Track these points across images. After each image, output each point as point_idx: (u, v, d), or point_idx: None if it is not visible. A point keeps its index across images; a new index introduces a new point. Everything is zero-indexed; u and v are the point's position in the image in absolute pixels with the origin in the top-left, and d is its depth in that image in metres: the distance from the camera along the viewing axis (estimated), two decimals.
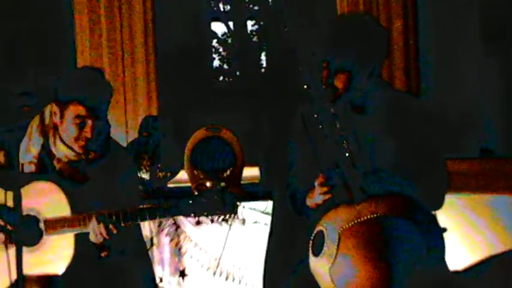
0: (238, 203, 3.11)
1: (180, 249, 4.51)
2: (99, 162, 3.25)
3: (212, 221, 3.13)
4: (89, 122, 3.14)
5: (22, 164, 3.25)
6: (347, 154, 2.93)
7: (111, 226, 3.12)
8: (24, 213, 3.14)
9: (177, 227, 4.44)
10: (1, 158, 3.25)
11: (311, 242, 2.93)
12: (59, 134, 3.19)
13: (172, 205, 3.20)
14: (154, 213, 3.20)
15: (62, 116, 3.17)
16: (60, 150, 3.20)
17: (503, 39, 4.40)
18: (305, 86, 2.93)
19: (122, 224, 3.15)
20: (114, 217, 3.15)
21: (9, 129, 3.24)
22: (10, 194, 3.03)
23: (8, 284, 3.11)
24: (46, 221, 3.17)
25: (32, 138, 3.26)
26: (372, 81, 3.06)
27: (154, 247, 4.45)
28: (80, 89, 3.15)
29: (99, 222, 3.12)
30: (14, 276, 2.93)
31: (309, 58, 2.95)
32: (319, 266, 2.88)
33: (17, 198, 2.96)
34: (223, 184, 3.13)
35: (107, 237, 3.13)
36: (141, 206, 3.16)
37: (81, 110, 3.13)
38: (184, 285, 4.52)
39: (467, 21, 4.53)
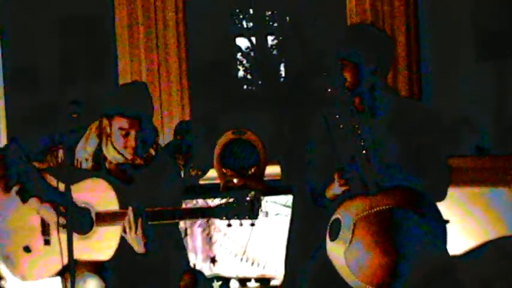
0: (262, 209, 3.17)
1: (210, 239, 4.64)
2: (144, 168, 3.37)
3: (241, 224, 3.22)
4: (132, 132, 3.27)
5: (79, 161, 3.38)
6: (363, 151, 3.09)
7: (139, 224, 3.19)
8: (79, 205, 3.29)
9: (208, 219, 4.41)
10: (61, 155, 3.36)
11: (328, 228, 3.07)
12: (111, 141, 3.33)
13: (207, 208, 3.33)
14: (192, 214, 3.34)
15: (110, 127, 3.30)
16: (111, 155, 3.35)
17: (496, 51, 4.64)
18: (329, 90, 3.14)
19: (159, 222, 3.23)
20: (153, 215, 3.22)
21: (72, 130, 3.31)
22: (62, 186, 3.14)
23: (59, 267, 3.27)
24: (97, 214, 3.29)
25: (89, 139, 3.38)
26: (379, 84, 3.26)
27: (188, 237, 4.54)
28: (121, 103, 3.28)
29: (135, 217, 3.20)
30: (66, 260, 3.08)
31: (334, 66, 3.16)
32: (335, 250, 3.04)
33: (68, 189, 3.10)
34: (253, 193, 3.21)
35: (137, 234, 3.19)
36: (181, 207, 3.31)
37: (124, 122, 3.27)
38: (214, 270, 4.65)
39: (463, 33, 4.75)
